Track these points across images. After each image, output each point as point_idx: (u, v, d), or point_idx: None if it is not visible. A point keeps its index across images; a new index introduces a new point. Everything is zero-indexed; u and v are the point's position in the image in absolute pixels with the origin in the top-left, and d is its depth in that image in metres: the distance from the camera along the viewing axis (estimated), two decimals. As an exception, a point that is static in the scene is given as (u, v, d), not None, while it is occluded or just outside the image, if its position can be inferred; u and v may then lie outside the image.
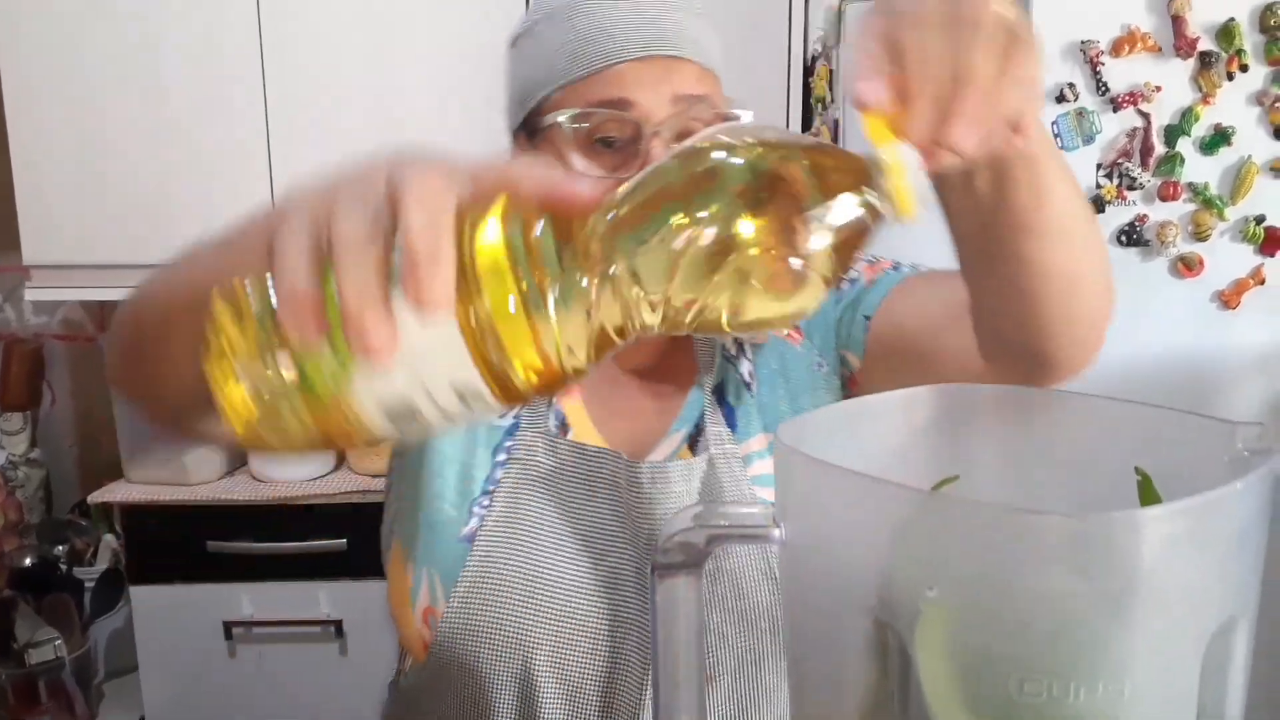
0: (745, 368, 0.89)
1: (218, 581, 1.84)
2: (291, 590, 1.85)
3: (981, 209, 0.59)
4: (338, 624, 1.85)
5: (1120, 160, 1.67)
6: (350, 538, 1.83)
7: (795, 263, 0.43)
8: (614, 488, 0.83)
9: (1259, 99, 1.64)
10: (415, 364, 0.41)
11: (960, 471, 0.53)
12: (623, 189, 0.43)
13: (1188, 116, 1.65)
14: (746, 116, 0.81)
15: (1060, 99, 1.66)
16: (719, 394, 0.88)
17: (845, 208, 0.43)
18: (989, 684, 0.41)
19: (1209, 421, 0.51)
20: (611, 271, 0.42)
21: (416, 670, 0.88)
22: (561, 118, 0.77)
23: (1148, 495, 0.52)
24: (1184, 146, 1.65)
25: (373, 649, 1.82)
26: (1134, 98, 1.65)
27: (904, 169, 0.43)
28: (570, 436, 0.86)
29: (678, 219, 0.42)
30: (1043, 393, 0.58)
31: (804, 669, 0.51)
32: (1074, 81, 1.66)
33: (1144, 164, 1.67)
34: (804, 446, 0.46)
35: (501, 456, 0.85)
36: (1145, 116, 1.66)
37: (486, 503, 0.83)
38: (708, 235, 0.42)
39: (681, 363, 0.90)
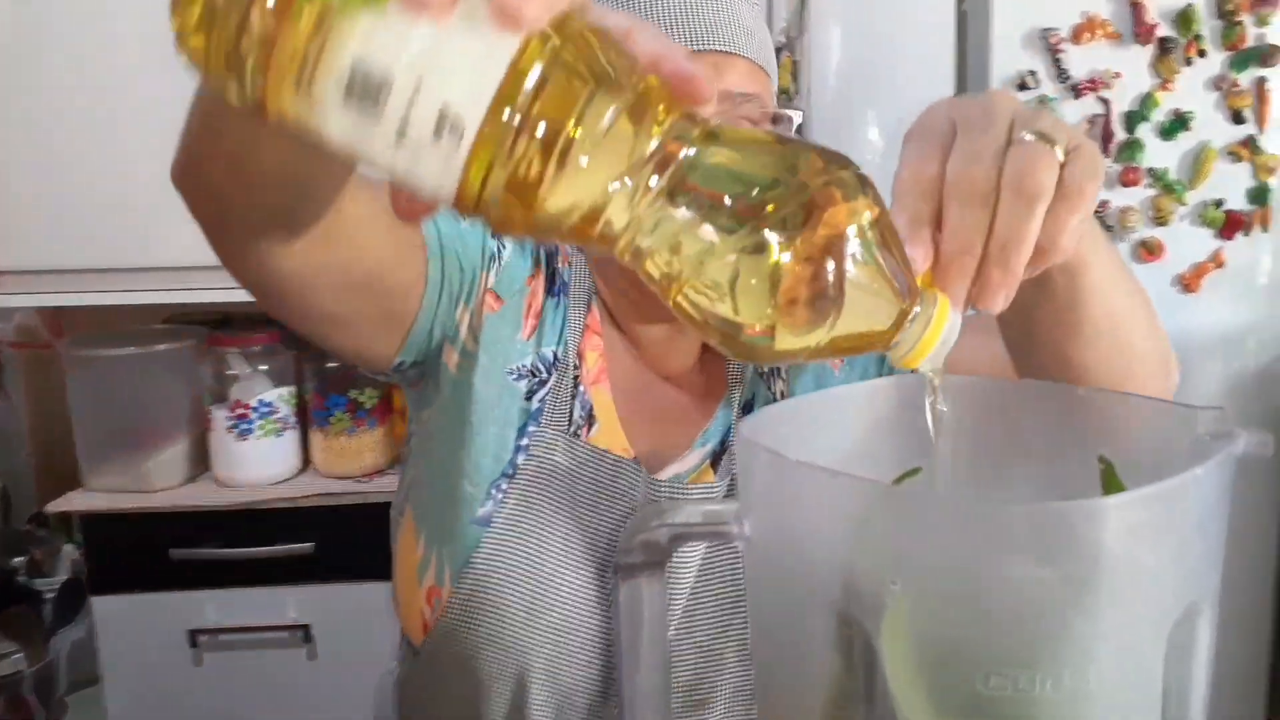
0: (778, 387, 0.88)
1: (181, 589, 1.80)
2: (258, 596, 1.81)
3: (1018, 307, 0.56)
4: (306, 629, 1.82)
5: (1081, 147, 1.67)
6: (317, 541, 1.80)
7: (808, 308, 0.39)
8: (630, 500, 0.82)
9: (1216, 84, 1.65)
10: (434, 49, 0.34)
11: (924, 463, 0.53)
12: (713, 123, 0.39)
13: (1147, 102, 1.66)
14: (797, 118, 0.80)
15: (1022, 87, 1.67)
16: (747, 412, 0.87)
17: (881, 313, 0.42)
18: (955, 678, 0.40)
19: (1170, 407, 0.51)
20: (654, 196, 0.37)
21: (411, 660, 0.87)
22: None
23: (1110, 483, 0.51)
24: (1144, 132, 1.66)
25: (342, 654, 1.79)
26: (1094, 84, 1.66)
27: (940, 325, 0.44)
28: (593, 433, 0.84)
29: (734, 200, 0.38)
30: (1006, 383, 0.57)
31: (770, 666, 0.50)
32: (1035, 69, 1.66)
33: (1105, 150, 1.68)
34: (767, 440, 0.45)
35: (525, 441, 0.82)
36: (1105, 103, 1.66)
37: (505, 487, 0.81)
38: (760, 239, 0.38)
39: (715, 374, 0.89)
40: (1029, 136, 0.47)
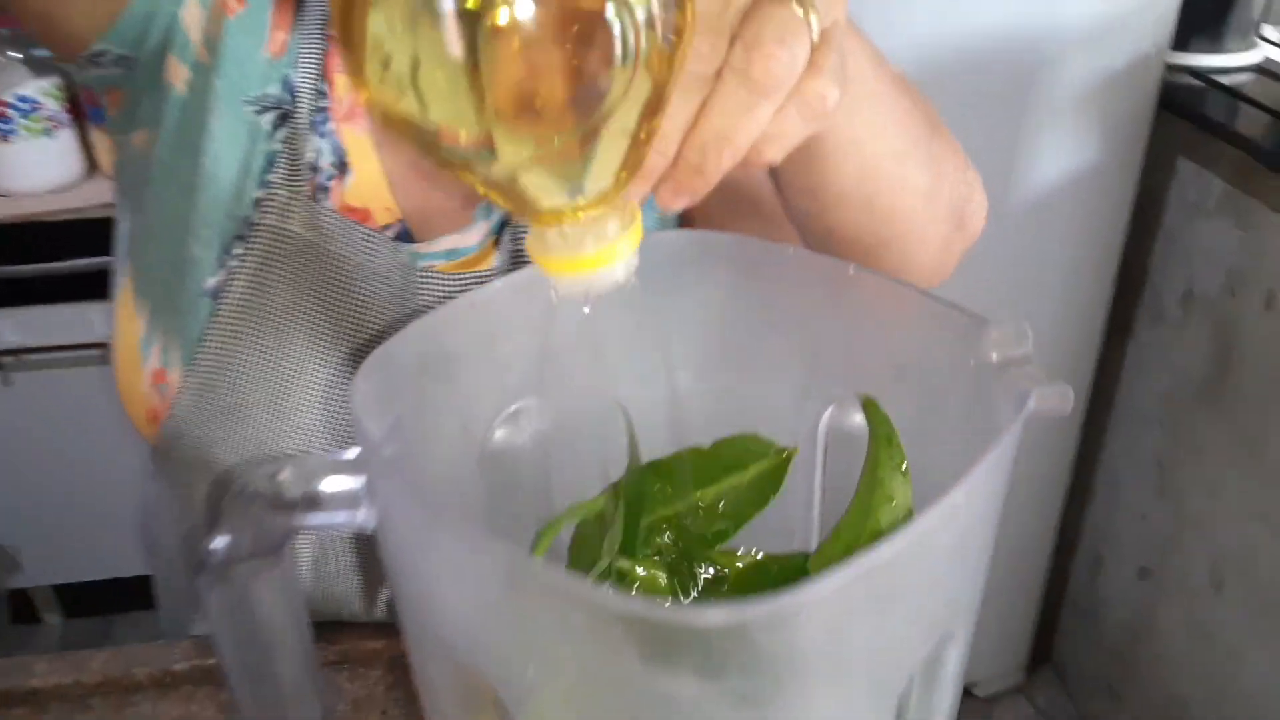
0: None
1: (-25, 311, 1.65)
2: (60, 314, 1.67)
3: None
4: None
5: None
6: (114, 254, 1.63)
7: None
8: (390, 283, 0.67)
9: None
10: None
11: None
12: None
13: None
14: None
15: None
16: None
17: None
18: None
19: (960, 314, 0.38)
20: None
21: (150, 457, 0.76)
22: None
23: (876, 421, 0.40)
24: None
25: (163, 370, 1.69)
26: None
27: (614, 251, 0.36)
28: (346, 186, 0.67)
29: None
30: (772, 249, 0.43)
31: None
32: None
33: None
34: (422, 364, 0.32)
35: (261, 193, 0.65)
36: None
37: (239, 253, 0.65)
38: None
39: None
40: None
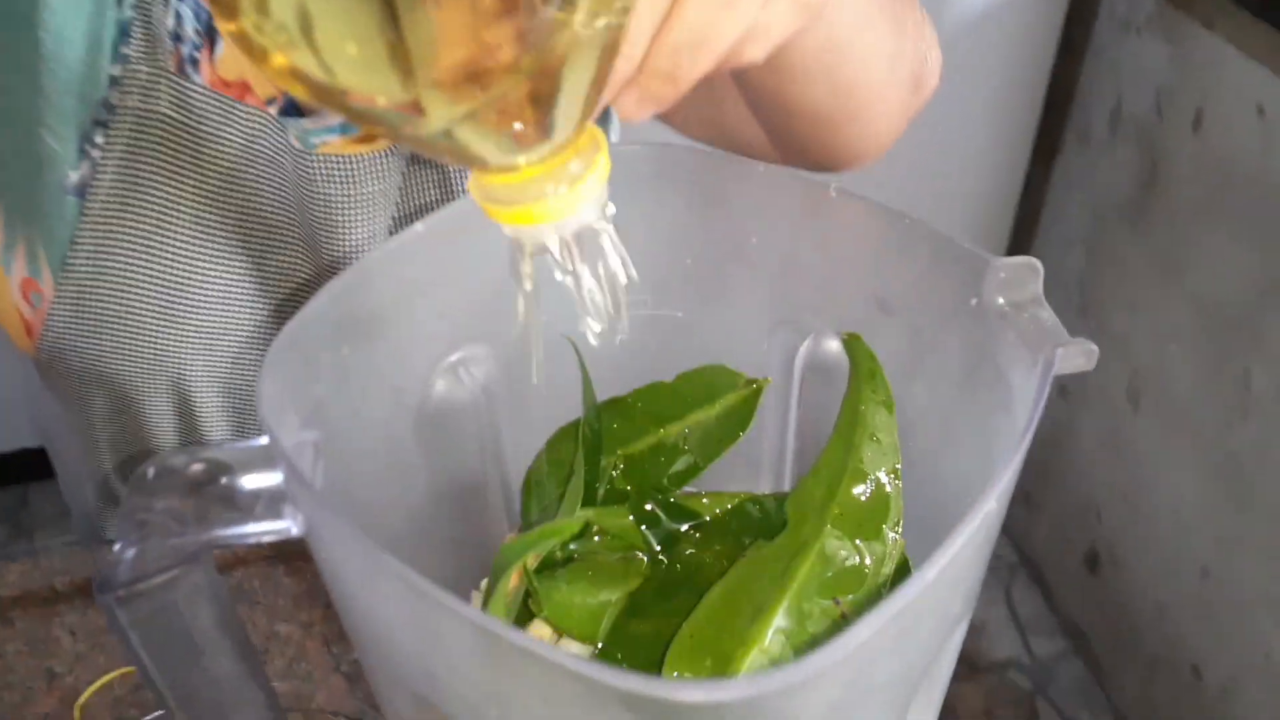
0: None
1: None
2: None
3: None
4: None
5: None
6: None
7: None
8: (279, 166, 0.58)
9: None
10: None
11: None
12: None
13: None
14: None
15: None
16: None
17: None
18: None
19: (958, 248, 0.34)
20: None
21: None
22: None
23: (859, 356, 0.36)
24: None
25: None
26: None
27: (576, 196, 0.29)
28: (217, 54, 0.56)
29: None
30: (738, 164, 0.37)
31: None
32: None
33: None
34: (338, 333, 0.27)
35: (116, 70, 0.56)
36: None
37: (102, 142, 0.57)
38: None
39: None
40: None
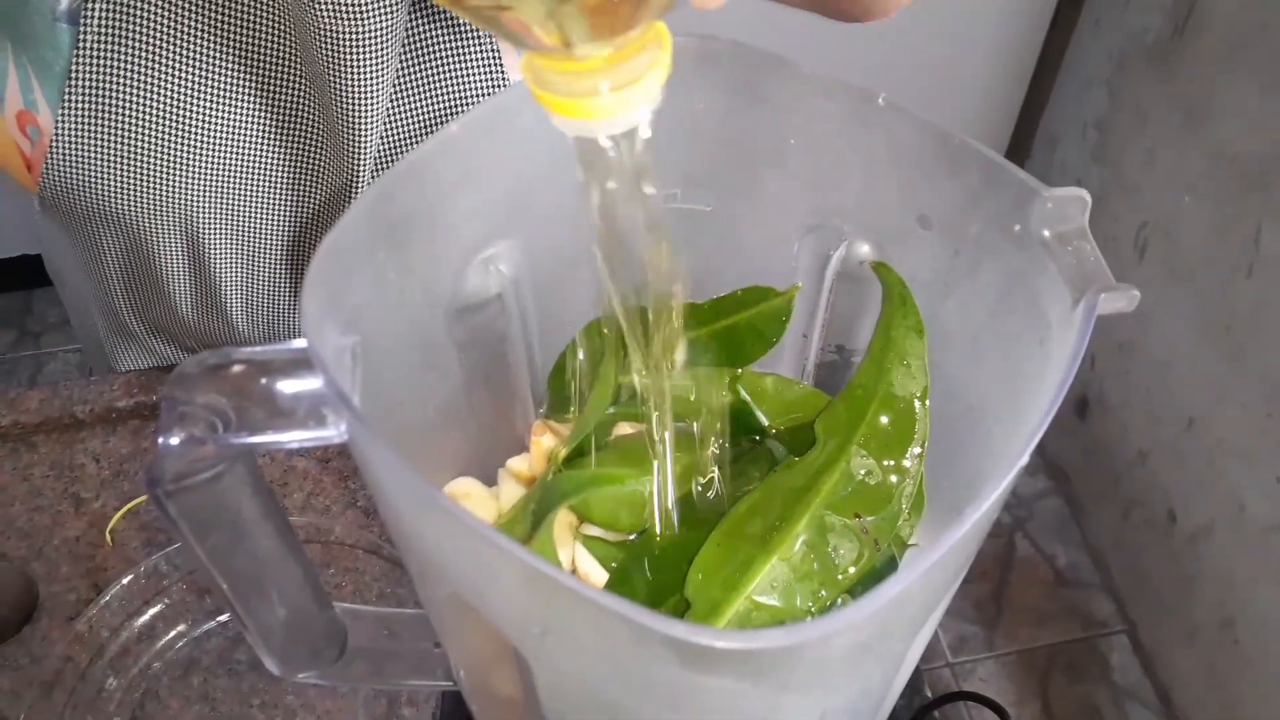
0: None
1: None
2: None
3: None
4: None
5: None
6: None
7: None
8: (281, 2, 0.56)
9: None
10: None
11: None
12: None
13: None
14: None
15: None
16: None
17: None
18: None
19: (1009, 174, 0.33)
20: None
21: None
22: None
23: (890, 281, 0.36)
24: None
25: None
26: None
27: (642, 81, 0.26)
28: None
29: None
30: (779, 63, 0.36)
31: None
32: None
33: None
34: (373, 241, 0.27)
35: None
36: None
37: None
38: None
39: None
40: None
